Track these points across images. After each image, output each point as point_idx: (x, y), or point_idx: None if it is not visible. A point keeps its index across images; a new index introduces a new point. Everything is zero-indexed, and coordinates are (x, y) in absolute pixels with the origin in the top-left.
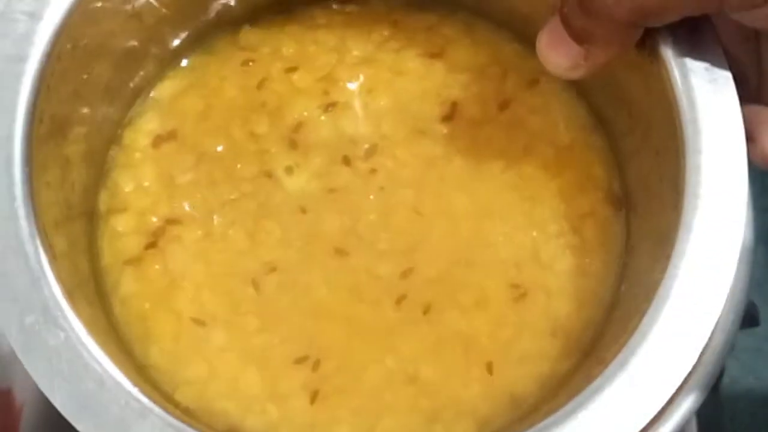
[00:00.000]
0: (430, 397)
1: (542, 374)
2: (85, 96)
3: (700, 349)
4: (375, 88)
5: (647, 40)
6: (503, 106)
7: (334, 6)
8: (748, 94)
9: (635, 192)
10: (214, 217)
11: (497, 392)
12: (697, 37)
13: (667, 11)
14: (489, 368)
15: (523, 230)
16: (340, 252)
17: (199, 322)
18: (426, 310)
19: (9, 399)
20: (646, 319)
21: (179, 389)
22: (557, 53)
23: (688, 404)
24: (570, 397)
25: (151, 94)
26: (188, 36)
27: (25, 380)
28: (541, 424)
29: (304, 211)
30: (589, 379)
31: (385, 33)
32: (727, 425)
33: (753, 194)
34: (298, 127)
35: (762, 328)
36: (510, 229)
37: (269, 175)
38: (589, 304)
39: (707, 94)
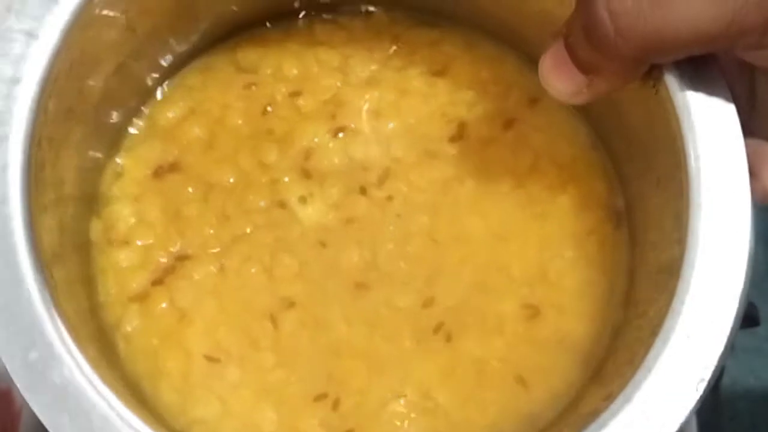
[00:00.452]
0: (449, 424)
1: (557, 391)
2: (79, 118)
3: (705, 384)
4: (382, 110)
5: (652, 72)
6: (508, 125)
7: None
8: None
9: (636, 215)
10: (228, 251)
11: (514, 413)
12: (702, 71)
13: (675, 49)
14: (504, 390)
15: (534, 249)
16: (360, 286)
17: (212, 359)
18: (448, 340)
19: (9, 399)
20: (652, 353)
21: (192, 428)
22: (560, 79)
23: None
24: (579, 428)
25: (150, 119)
26: (183, 52)
27: None
28: None
29: (323, 245)
30: (596, 413)
31: (388, 49)
32: (727, 425)
33: None
34: (309, 154)
35: (762, 328)
36: (521, 249)
37: (283, 205)
38: (597, 321)
39: (711, 129)
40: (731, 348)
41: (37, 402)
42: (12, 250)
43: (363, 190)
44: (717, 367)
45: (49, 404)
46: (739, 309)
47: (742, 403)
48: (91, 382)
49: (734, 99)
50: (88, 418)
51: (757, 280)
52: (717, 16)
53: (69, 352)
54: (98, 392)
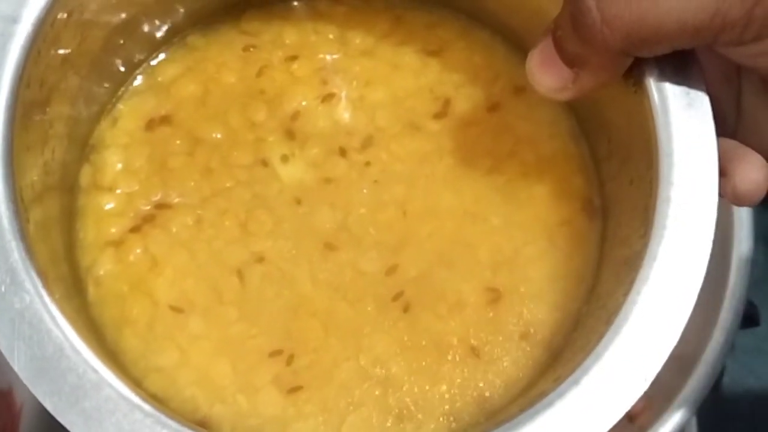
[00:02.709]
0: (401, 396)
1: (511, 376)
2: (76, 66)
3: (654, 375)
4: (372, 80)
5: (634, 70)
6: (492, 109)
7: None
8: (724, 134)
9: (610, 211)
10: (206, 204)
11: (468, 392)
12: (682, 72)
13: (660, 42)
14: (459, 369)
15: (503, 233)
16: (330, 246)
17: (176, 309)
18: (405, 310)
19: (9, 399)
20: (603, 341)
21: (149, 376)
22: (547, 74)
23: (688, 404)
24: (523, 408)
25: (149, 74)
26: (190, 14)
27: None
28: None
29: (298, 202)
30: (544, 394)
31: (386, 28)
32: (727, 425)
33: None
34: (296, 116)
35: (762, 328)
36: (491, 232)
37: (265, 164)
38: (559, 312)
39: (686, 128)
40: (731, 348)
41: None
42: None
43: (343, 152)
44: (665, 357)
45: (6, 329)
46: (738, 309)
47: (742, 403)
48: (49, 311)
49: (721, 108)
50: (43, 346)
51: (757, 280)
52: (701, 8)
53: (31, 279)
54: (55, 322)
